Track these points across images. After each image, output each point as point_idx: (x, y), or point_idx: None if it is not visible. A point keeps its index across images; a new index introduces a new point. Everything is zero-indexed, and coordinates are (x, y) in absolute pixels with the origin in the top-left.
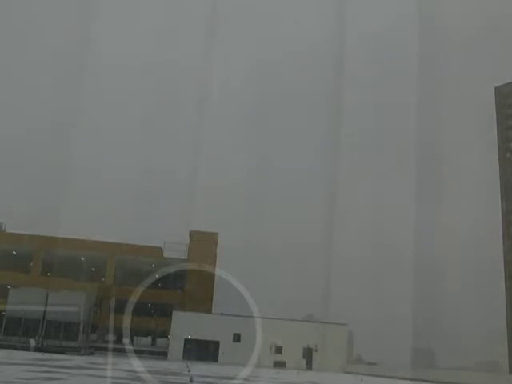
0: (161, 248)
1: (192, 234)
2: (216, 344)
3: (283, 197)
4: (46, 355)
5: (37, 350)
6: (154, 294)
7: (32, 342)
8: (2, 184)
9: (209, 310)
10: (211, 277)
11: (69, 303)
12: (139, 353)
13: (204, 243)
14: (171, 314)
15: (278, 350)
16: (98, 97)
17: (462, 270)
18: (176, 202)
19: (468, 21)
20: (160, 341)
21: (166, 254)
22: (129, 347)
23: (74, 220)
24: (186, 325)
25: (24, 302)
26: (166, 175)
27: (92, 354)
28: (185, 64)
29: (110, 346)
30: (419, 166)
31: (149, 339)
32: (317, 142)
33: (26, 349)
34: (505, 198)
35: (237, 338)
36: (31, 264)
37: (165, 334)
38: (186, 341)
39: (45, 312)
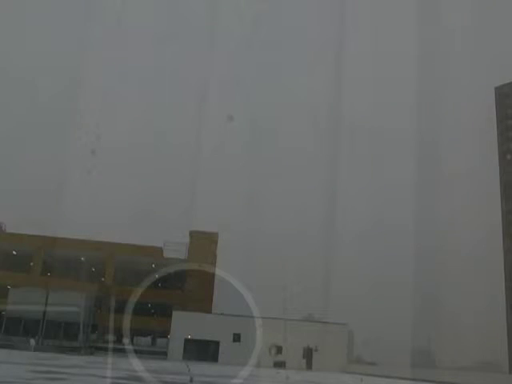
0: (161, 248)
1: (192, 234)
2: (216, 344)
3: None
4: (46, 355)
5: (37, 349)
6: (153, 294)
7: (32, 342)
8: (2, 183)
9: (209, 310)
10: (211, 277)
11: (69, 303)
12: (139, 353)
13: (204, 243)
14: (171, 314)
15: (278, 349)
16: (98, 96)
17: (462, 269)
18: (176, 202)
19: None
20: (160, 341)
21: (165, 254)
22: (129, 347)
23: (74, 220)
24: (186, 325)
25: (24, 301)
26: (165, 174)
27: (92, 353)
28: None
29: (110, 345)
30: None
31: (149, 339)
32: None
33: (26, 349)
34: (505, 198)
35: (237, 337)
36: (31, 264)
37: (165, 334)
38: (186, 341)
39: (45, 312)
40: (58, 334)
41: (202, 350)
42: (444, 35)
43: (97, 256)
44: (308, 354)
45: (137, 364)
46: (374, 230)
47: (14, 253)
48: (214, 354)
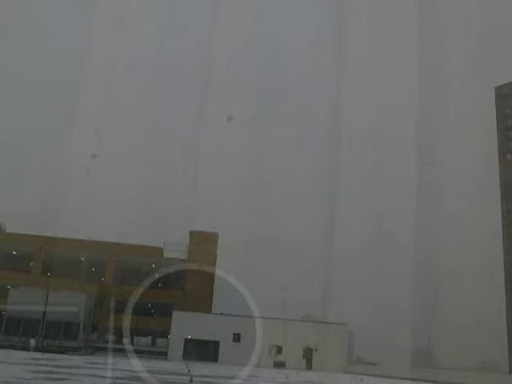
0: (161, 248)
1: (192, 234)
2: (216, 344)
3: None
4: (46, 355)
5: (37, 350)
6: (154, 294)
7: (32, 342)
8: (2, 184)
9: (209, 310)
10: (211, 277)
11: (69, 303)
12: (139, 353)
13: (204, 243)
14: (171, 314)
15: (278, 349)
16: (98, 97)
17: (462, 270)
18: (176, 202)
19: None
20: (160, 341)
21: (166, 254)
22: (129, 347)
23: (74, 220)
24: (186, 325)
25: (24, 302)
26: (165, 175)
27: (92, 353)
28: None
29: (110, 345)
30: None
31: (149, 339)
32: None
33: (26, 349)
34: (505, 197)
35: (237, 338)
36: (31, 264)
37: (165, 334)
38: (186, 341)
39: (45, 312)
40: (58, 334)
41: (202, 350)
42: (444, 35)
43: (97, 256)
44: (308, 354)
45: (137, 364)
46: (374, 229)
47: (14, 253)
48: (214, 354)
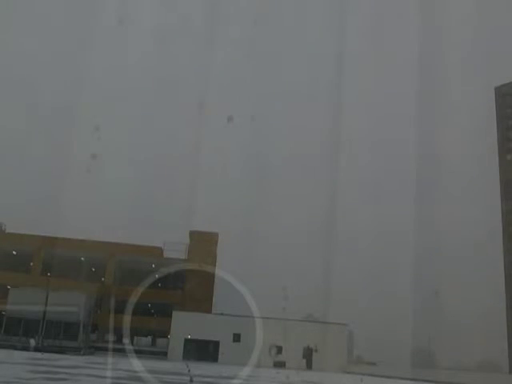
0: (161, 248)
1: (192, 234)
2: (216, 344)
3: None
4: (46, 355)
5: (37, 350)
6: (154, 294)
7: (32, 342)
8: (2, 183)
9: (209, 310)
10: (211, 277)
11: (69, 303)
12: (139, 353)
13: (204, 243)
14: (171, 314)
15: (278, 350)
16: (98, 98)
17: (462, 270)
18: (176, 202)
19: None
20: (160, 341)
21: (166, 254)
22: (129, 347)
23: (74, 220)
24: (186, 325)
25: (24, 301)
26: (166, 175)
27: (92, 353)
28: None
29: (110, 345)
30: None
31: (149, 339)
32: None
33: (26, 349)
34: (505, 198)
35: (237, 338)
36: (31, 264)
37: (165, 334)
38: (186, 341)
39: (45, 312)
40: (58, 334)
41: (202, 350)
42: (444, 35)
43: (97, 256)
44: (308, 354)
45: (137, 364)
46: (375, 229)
47: (14, 253)
48: (213, 354)
